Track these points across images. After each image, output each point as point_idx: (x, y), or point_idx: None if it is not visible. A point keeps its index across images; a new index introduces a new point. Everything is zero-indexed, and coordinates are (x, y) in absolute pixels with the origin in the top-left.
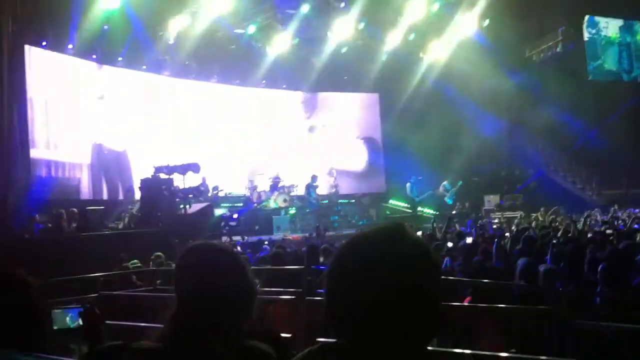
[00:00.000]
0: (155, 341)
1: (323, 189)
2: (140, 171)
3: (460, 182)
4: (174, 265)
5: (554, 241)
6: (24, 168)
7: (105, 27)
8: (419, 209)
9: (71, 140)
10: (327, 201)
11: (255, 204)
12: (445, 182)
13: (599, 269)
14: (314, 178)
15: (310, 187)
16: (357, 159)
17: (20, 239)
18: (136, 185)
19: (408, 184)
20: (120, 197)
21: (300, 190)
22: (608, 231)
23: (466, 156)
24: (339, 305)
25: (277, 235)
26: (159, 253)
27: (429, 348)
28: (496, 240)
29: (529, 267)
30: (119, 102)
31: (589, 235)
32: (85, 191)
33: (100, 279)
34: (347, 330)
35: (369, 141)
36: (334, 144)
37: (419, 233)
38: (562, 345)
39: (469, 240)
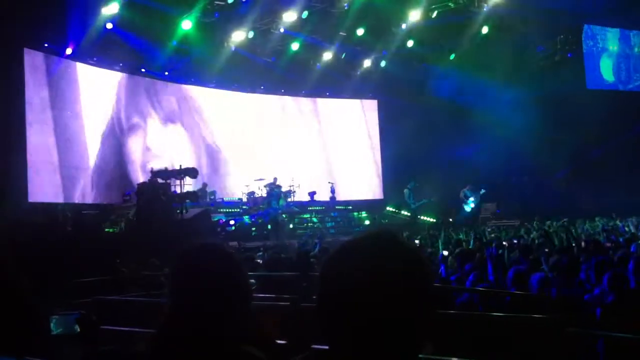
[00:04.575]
0: (148, 345)
1: (321, 195)
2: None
3: (483, 190)
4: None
5: (546, 250)
6: (19, 171)
7: (105, 31)
8: (419, 217)
9: (69, 144)
10: (323, 207)
11: (265, 215)
12: (465, 189)
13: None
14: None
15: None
16: (355, 165)
17: (15, 243)
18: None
19: (406, 190)
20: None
21: (297, 196)
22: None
23: (464, 163)
24: (330, 312)
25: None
26: (154, 259)
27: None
28: (493, 248)
29: (520, 275)
30: (119, 106)
31: (582, 244)
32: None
33: (95, 283)
34: (338, 337)
35: (367, 147)
36: (332, 150)
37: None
38: (557, 354)
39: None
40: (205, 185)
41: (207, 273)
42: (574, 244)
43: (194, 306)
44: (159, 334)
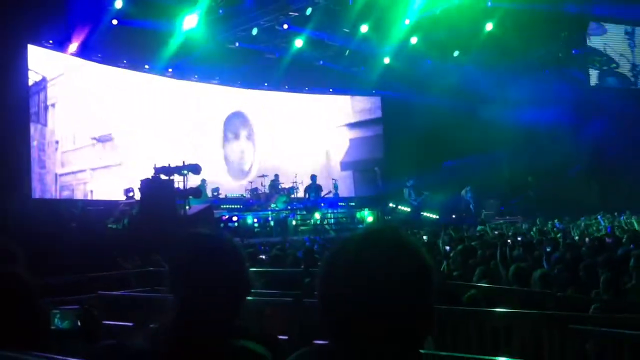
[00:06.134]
0: (148, 340)
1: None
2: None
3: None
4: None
5: (548, 249)
6: (23, 166)
7: (109, 27)
8: (421, 213)
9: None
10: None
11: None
12: (467, 188)
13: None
14: (313, 178)
15: (310, 189)
16: (358, 161)
17: (19, 239)
18: (136, 185)
19: (405, 188)
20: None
21: (300, 193)
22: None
23: (467, 162)
24: (331, 308)
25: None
26: (156, 255)
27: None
28: (499, 245)
29: (521, 272)
30: (121, 102)
31: (586, 240)
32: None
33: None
34: (339, 332)
35: (370, 144)
36: (335, 146)
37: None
38: (560, 350)
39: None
40: (204, 181)
41: (209, 263)
42: (577, 239)
43: (193, 297)
44: (160, 328)
